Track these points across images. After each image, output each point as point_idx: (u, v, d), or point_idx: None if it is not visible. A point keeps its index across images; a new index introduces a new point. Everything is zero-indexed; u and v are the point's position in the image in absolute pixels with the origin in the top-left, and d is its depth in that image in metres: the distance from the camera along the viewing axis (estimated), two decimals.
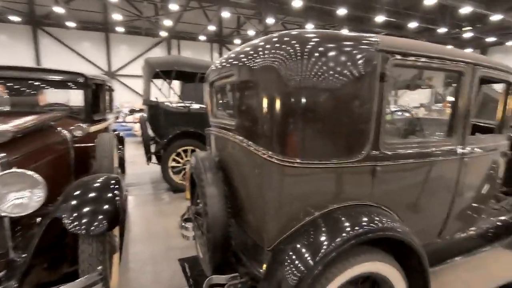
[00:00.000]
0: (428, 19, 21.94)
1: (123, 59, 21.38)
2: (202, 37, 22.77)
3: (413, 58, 1.48)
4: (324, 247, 1.29)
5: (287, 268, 1.30)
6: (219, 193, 1.69)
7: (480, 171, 2.01)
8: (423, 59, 1.51)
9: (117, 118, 14.02)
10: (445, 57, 1.58)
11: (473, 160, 1.85)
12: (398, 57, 1.43)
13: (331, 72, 1.31)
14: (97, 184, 1.87)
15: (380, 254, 1.44)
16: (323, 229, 1.36)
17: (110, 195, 1.80)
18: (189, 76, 5.00)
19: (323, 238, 1.32)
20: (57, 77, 3.07)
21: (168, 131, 4.63)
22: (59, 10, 15.29)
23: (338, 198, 1.46)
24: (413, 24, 21.57)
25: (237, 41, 23.39)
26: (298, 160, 1.34)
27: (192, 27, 22.22)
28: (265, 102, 1.36)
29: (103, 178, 1.96)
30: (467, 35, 23.76)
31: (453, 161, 1.75)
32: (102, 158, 2.65)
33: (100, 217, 1.68)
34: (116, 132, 5.23)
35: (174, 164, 4.65)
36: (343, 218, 1.39)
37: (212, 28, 21.74)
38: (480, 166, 1.99)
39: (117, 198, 1.81)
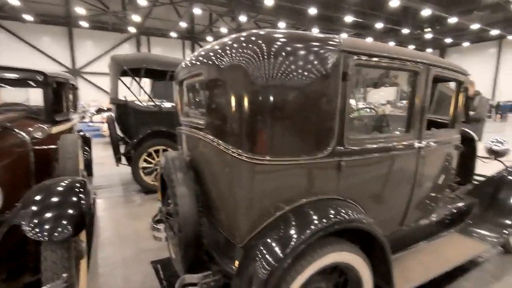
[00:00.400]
0: (393, 20, 23.09)
1: (89, 56, 20.27)
2: (173, 34, 22.20)
3: (372, 58, 1.57)
4: (293, 240, 1.34)
5: (258, 263, 1.33)
6: (190, 193, 1.68)
7: (436, 163, 2.17)
8: (382, 59, 1.60)
9: (83, 118, 13.30)
10: (401, 57, 1.69)
11: (429, 153, 2.00)
12: (359, 57, 1.51)
13: (296, 72, 1.35)
14: (60, 188, 1.79)
15: (346, 245, 1.51)
16: (293, 223, 1.41)
17: (74, 198, 1.73)
18: (160, 74, 4.87)
19: (292, 232, 1.37)
20: (13, 75, 2.86)
21: (138, 131, 4.49)
22: (14, 1, 14.11)
23: (306, 193, 1.52)
24: (379, 25, 22.60)
25: (209, 38, 23.08)
26: (267, 158, 1.37)
27: (162, 24, 21.57)
28: (233, 101, 1.38)
29: (66, 181, 1.87)
30: (428, 36, 25.33)
31: (412, 154, 1.88)
32: (66, 160, 2.52)
33: (64, 222, 1.61)
34: (82, 133, 4.97)
35: (145, 164, 4.52)
36: (311, 212, 1.44)
37: (183, 24, 21.27)
38: (435, 158, 2.15)
39: (82, 201, 1.74)
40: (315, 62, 1.38)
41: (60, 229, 1.57)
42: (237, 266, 1.46)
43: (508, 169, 2.84)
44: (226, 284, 1.58)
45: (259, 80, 1.31)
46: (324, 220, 1.39)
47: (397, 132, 1.83)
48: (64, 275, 1.57)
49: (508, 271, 2.57)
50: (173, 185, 1.68)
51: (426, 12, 18.83)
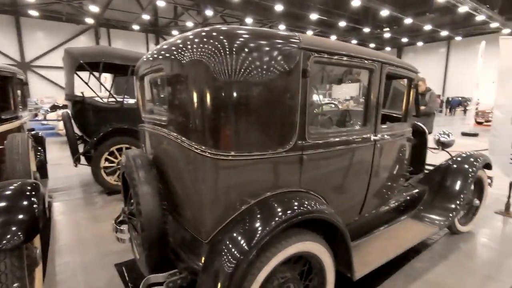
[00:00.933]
0: (355, 19, 24.13)
1: (41, 48, 18.64)
2: (135, 27, 21.16)
3: (331, 56, 1.64)
4: (258, 233, 1.37)
5: (224, 257, 1.35)
6: (153, 191, 1.64)
7: (390, 155, 2.34)
8: (339, 57, 1.69)
9: (35, 115, 12.26)
10: (358, 55, 1.79)
11: (384, 145, 2.15)
12: (318, 54, 1.57)
13: (258, 68, 1.37)
14: (8, 192, 1.65)
15: (309, 235, 1.58)
16: (257, 216, 1.44)
17: (25, 202, 1.61)
18: (121, 69, 4.63)
19: (257, 225, 1.40)
20: None
21: (99, 129, 4.25)
22: None
23: (270, 187, 1.56)
24: (342, 23, 23.49)
25: (175, 32, 22.36)
26: (230, 153, 1.39)
27: (123, 15, 20.44)
28: (195, 97, 1.37)
29: (16, 184, 1.73)
30: (387, 35, 26.86)
31: (368, 147, 2.01)
32: (14, 161, 2.32)
33: (13, 228, 1.49)
34: (34, 132, 4.60)
35: (107, 164, 4.30)
36: (275, 205, 1.49)
37: (146, 17, 20.34)
38: (390, 150, 2.31)
39: (34, 205, 1.62)
40: (276, 59, 1.41)
41: (9, 236, 1.46)
42: (203, 262, 1.46)
43: (453, 158, 3.14)
44: (193, 281, 1.58)
45: (220, 76, 1.32)
46: (288, 212, 1.44)
47: (356, 126, 1.94)
48: (15, 285, 1.47)
49: (453, 250, 2.86)
50: (135, 184, 1.63)
51: (384, 12, 19.92)
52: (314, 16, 21.50)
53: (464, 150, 3.29)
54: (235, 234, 1.40)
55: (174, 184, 1.70)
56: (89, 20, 18.62)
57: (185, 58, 1.40)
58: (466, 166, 2.97)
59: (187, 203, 1.60)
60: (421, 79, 5.11)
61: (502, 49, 3.54)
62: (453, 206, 2.68)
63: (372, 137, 2.01)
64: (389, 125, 2.24)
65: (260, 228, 1.38)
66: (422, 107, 4.94)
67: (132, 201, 1.85)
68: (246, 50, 1.35)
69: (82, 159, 4.52)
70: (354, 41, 29.10)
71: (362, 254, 2.10)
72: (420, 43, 29.48)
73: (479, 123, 13.33)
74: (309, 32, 26.79)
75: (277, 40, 1.44)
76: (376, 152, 2.07)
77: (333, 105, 3.89)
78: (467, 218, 3.20)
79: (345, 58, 1.71)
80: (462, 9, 18.23)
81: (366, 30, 25.03)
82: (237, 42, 1.35)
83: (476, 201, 3.12)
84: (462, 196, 2.75)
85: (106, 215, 3.73)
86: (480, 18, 19.62)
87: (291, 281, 1.58)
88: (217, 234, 1.45)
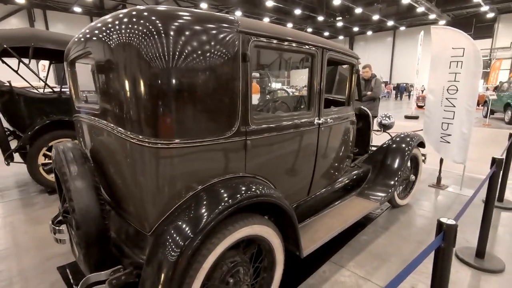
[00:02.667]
0: (310, 8, 24.62)
1: None
2: (77, 9, 19.19)
3: (271, 40, 1.64)
4: (203, 219, 1.35)
5: (168, 247, 1.32)
6: (87, 186, 1.53)
7: (335, 137, 2.46)
8: (280, 42, 1.70)
9: None
10: (299, 40, 1.82)
11: (328, 129, 2.25)
12: (257, 38, 1.56)
13: (194, 52, 1.32)
14: None
15: (257, 218, 1.61)
16: (202, 203, 1.42)
17: None
18: (56, 55, 4.18)
19: (201, 212, 1.38)
20: None
21: (34, 122, 3.83)
22: None
23: (216, 173, 1.54)
24: (298, 11, 23.84)
25: None
26: (169, 141, 1.33)
27: None
28: (127, 84, 1.28)
29: None
30: (339, 24, 27.92)
31: (313, 130, 2.09)
32: None
33: None
34: None
35: (47, 161, 3.91)
36: (221, 190, 1.48)
37: None
38: (334, 133, 2.43)
39: None
40: (213, 43, 1.37)
41: None
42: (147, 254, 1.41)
43: (393, 139, 3.41)
44: (139, 276, 1.53)
45: (153, 61, 1.24)
46: (232, 197, 1.45)
47: (300, 111, 2.00)
48: None
49: (393, 222, 3.15)
50: (66, 179, 1.50)
51: (337, 1, 20.61)
52: (270, 3, 21.47)
53: (403, 131, 3.59)
54: (179, 223, 1.37)
55: (114, 177, 1.60)
56: (20, 0, 16.43)
57: (113, 40, 1.29)
58: (403, 145, 3.25)
59: (127, 196, 1.52)
60: (367, 66, 5.42)
61: (433, 37, 3.87)
62: (392, 182, 2.94)
63: (316, 121, 2.09)
64: (333, 109, 2.34)
65: (205, 215, 1.36)
66: (368, 93, 5.27)
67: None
68: (181, 32, 1.29)
69: (17, 157, 4.06)
70: (309, 30, 29.81)
71: (311, 232, 2.21)
72: (369, 32, 31.20)
73: (420, 107, 14.69)
74: (266, 19, 26.79)
75: (214, 23, 1.40)
76: (320, 135, 2.16)
77: (284, 91, 3.97)
78: (405, 193, 3.54)
79: (285, 43, 1.73)
80: (405, 0, 19.62)
81: (321, 18, 25.74)
82: (171, 23, 1.28)
83: (412, 177, 3.46)
84: (399, 173, 3.02)
85: (48, 216, 3.42)
86: (420, 9, 21.32)
87: (240, 264, 1.61)
88: (161, 224, 1.41)
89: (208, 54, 1.35)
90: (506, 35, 23.88)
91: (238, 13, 24.26)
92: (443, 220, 1.14)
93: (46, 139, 3.82)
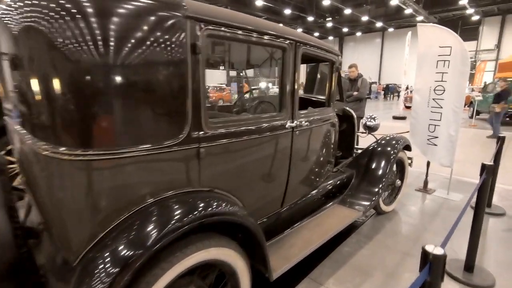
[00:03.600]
0: (300, 8, 24.57)
1: None
2: None
3: (230, 30, 1.40)
4: (139, 248, 1.10)
5: (94, 281, 1.06)
6: None
7: (312, 142, 2.24)
8: (242, 32, 1.45)
9: None
10: (264, 31, 1.58)
11: (304, 132, 2.03)
12: (212, 26, 1.31)
13: (125, 39, 1.06)
14: None
15: (214, 239, 1.37)
16: (139, 227, 1.16)
17: None
18: None
19: (138, 238, 1.13)
20: None
21: None
22: None
23: (158, 189, 1.28)
24: (288, 11, 23.75)
25: None
26: (94, 152, 1.07)
27: None
28: (37, 81, 1.01)
29: None
30: (329, 24, 27.97)
31: (285, 135, 1.85)
32: None
33: None
34: None
35: None
36: (165, 210, 1.23)
37: None
38: (312, 136, 2.21)
39: None
40: (150, 28, 1.11)
41: None
42: None
43: (378, 141, 3.22)
44: None
45: (67, 50, 0.98)
46: (179, 218, 1.20)
47: (268, 113, 1.75)
48: None
49: (378, 230, 2.96)
50: None
51: (326, 1, 20.59)
52: (259, 3, 21.28)
53: (389, 133, 3.42)
54: (110, 252, 1.12)
55: (36, 194, 1.32)
56: None
57: (14, 22, 1.02)
58: (388, 149, 3.07)
59: (49, 218, 1.26)
60: (353, 65, 5.24)
61: (419, 35, 3.71)
62: (376, 189, 2.74)
63: (289, 124, 1.86)
64: (310, 111, 2.12)
65: (140, 243, 1.11)
66: (355, 93, 5.09)
67: None
68: (106, 13, 1.02)
69: None
70: (299, 29, 29.76)
71: (285, 247, 1.98)
72: (359, 33, 31.36)
73: (408, 107, 14.70)
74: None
75: (152, 4, 1.14)
76: (295, 140, 1.93)
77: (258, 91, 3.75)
78: (390, 198, 3.35)
79: (248, 34, 1.49)
80: (393, 1, 19.75)
81: (311, 19, 25.69)
82: (94, 3, 1.02)
83: (398, 182, 3.28)
84: (384, 179, 2.83)
85: None
86: (408, 11, 21.51)
87: None
88: (88, 252, 1.15)
89: (143, 42, 1.10)
90: (490, 37, 24.36)
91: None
92: (429, 249, 0.92)
93: None
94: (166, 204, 1.25)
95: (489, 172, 2.05)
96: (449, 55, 3.49)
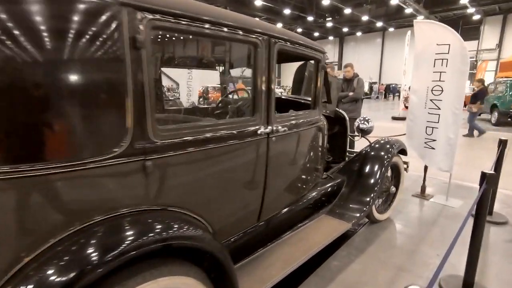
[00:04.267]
0: (300, 8, 24.38)
1: None
2: None
3: (184, 21, 1.19)
4: (64, 282, 0.90)
5: None
6: None
7: (294, 148, 2.03)
8: (199, 24, 1.25)
9: None
10: (230, 24, 1.38)
11: (283, 138, 1.82)
12: (157, 16, 1.11)
13: (44, 34, 0.87)
14: None
15: (167, 267, 1.17)
16: (66, 257, 0.97)
17: None
18: None
19: (60, 271, 0.93)
20: None
21: None
22: None
23: (95, 210, 1.07)
24: (287, 11, 23.57)
25: None
26: (9, 168, 0.88)
27: None
28: None
29: None
30: (329, 24, 27.77)
31: (258, 142, 1.64)
32: None
33: None
34: None
35: None
36: (100, 236, 1.03)
37: None
38: (293, 143, 2.00)
39: None
40: (77, 19, 0.92)
41: None
42: None
43: (371, 145, 3.02)
44: None
45: None
46: (116, 245, 1.00)
47: (237, 118, 1.55)
48: None
49: (370, 241, 2.75)
50: None
51: (326, 1, 20.40)
52: (259, 3, 21.12)
53: (385, 136, 3.22)
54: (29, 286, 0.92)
55: None
56: None
57: None
58: (382, 153, 2.87)
59: None
60: (348, 65, 5.04)
61: (416, 33, 3.51)
62: (367, 199, 2.53)
63: (262, 130, 1.64)
64: (289, 114, 1.92)
65: (64, 277, 0.91)
66: (350, 93, 4.89)
67: None
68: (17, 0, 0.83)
69: None
70: (299, 30, 29.56)
71: (263, 267, 1.78)
72: (359, 33, 31.13)
73: (407, 108, 14.46)
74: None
75: None
76: (271, 147, 1.73)
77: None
78: (385, 206, 3.15)
79: (208, 26, 1.28)
80: (394, 1, 19.53)
81: (310, 18, 25.49)
82: None
83: (393, 189, 3.08)
84: (376, 186, 2.63)
85: None
86: (408, 11, 21.29)
87: None
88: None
89: (65, 36, 0.90)
90: (491, 36, 24.05)
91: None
92: None
93: None
94: (102, 229, 1.05)
95: (489, 182, 1.84)
96: (448, 53, 3.29)
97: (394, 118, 11.76)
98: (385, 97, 27.08)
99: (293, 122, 1.89)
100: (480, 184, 1.90)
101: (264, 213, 1.85)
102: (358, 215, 2.39)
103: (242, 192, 1.64)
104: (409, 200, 3.75)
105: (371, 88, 28.88)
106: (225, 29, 1.35)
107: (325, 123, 2.55)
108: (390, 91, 27.01)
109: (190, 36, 1.36)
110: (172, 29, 1.16)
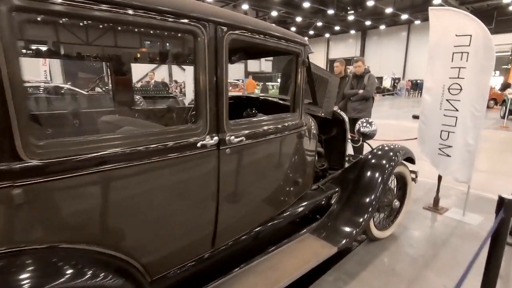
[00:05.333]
0: (320, 1, 23.54)
1: None
2: None
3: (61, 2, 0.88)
4: None
5: None
6: None
7: (261, 160, 1.69)
8: (98, 5, 0.94)
9: None
10: (150, 6, 1.05)
11: (243, 150, 1.50)
12: None
13: None
14: None
15: None
16: None
17: None
18: None
19: None
20: None
21: None
22: None
23: None
24: (307, 4, 22.87)
25: None
26: None
27: None
28: None
29: None
30: (351, 18, 26.66)
31: (203, 156, 1.32)
32: None
33: None
34: None
35: None
36: None
37: None
38: (259, 154, 1.66)
39: None
40: None
41: None
42: None
43: (372, 151, 2.63)
44: None
45: None
46: None
47: (176, 127, 1.23)
48: None
49: (366, 264, 2.38)
50: None
51: None
52: None
53: (395, 138, 2.81)
54: None
55: None
56: None
57: None
58: (383, 161, 2.48)
59: None
60: (359, 59, 4.60)
61: (431, 21, 3.03)
62: (359, 219, 2.15)
63: (207, 141, 1.32)
64: (252, 120, 1.58)
65: None
66: (360, 91, 4.45)
67: None
68: None
69: None
70: (319, 23, 28.59)
71: None
72: (382, 27, 29.65)
73: None
74: (274, 13, 25.81)
75: None
76: (225, 161, 1.41)
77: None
78: (387, 221, 2.75)
79: (115, 9, 0.97)
80: None
81: (331, 12, 24.54)
82: None
83: (396, 203, 2.66)
84: (372, 202, 2.25)
85: None
86: (437, 1, 19.86)
87: None
88: None
89: None
90: None
91: (245, 7, 23.44)
92: None
93: None
94: None
95: (508, 210, 1.43)
96: (469, 45, 2.80)
97: (414, 117, 10.98)
98: (409, 93, 25.69)
99: (257, 129, 1.56)
100: (497, 211, 1.50)
101: (220, 238, 1.54)
102: (344, 240, 2.02)
103: (182, 216, 1.33)
104: (419, 213, 3.30)
105: (394, 85, 27.56)
106: (141, 12, 1.03)
107: (313, 126, 2.20)
108: (418, 87, 25.55)
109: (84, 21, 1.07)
110: (51, 12, 0.87)
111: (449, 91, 2.99)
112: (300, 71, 1.82)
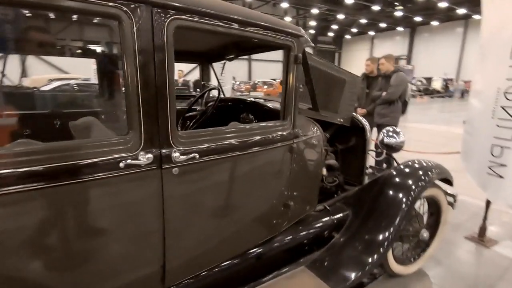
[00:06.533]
0: None
1: None
2: None
3: None
4: None
5: None
6: None
7: (227, 181, 1.33)
8: None
9: None
10: None
11: (200, 170, 1.18)
12: None
13: None
14: None
15: None
16: None
17: None
18: None
19: None
20: None
21: None
22: None
23: None
24: (350, 0, 21.81)
25: None
26: None
27: None
28: None
29: None
30: (399, 14, 24.80)
31: (139, 178, 1.03)
32: None
33: None
34: None
35: None
36: None
37: None
38: (224, 173, 1.30)
39: None
40: None
41: None
42: None
43: (398, 168, 2.16)
44: None
45: None
46: None
47: (94, 142, 0.95)
48: None
49: None
50: None
51: None
52: None
53: (417, 158, 2.31)
54: None
55: None
56: None
57: None
58: (410, 181, 2.01)
59: None
60: (388, 56, 4.01)
61: (484, 12, 2.43)
62: (369, 258, 1.70)
63: (141, 160, 1.02)
64: (218, 130, 1.24)
65: None
66: (384, 93, 3.87)
67: None
68: None
69: None
70: (363, 20, 26.99)
71: None
72: (435, 23, 27.06)
73: None
74: (314, 11, 24.92)
75: None
76: (170, 184, 1.11)
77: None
78: (413, 254, 2.24)
79: None
80: None
81: (376, 8, 23.02)
82: None
83: (425, 234, 2.14)
84: (390, 234, 1.80)
85: None
86: None
87: None
88: None
89: None
90: None
91: (285, 5, 23.03)
92: None
93: None
94: None
95: None
96: None
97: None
98: (462, 95, 23.14)
99: (222, 142, 1.23)
100: None
101: (171, 275, 1.25)
102: (345, 284, 1.59)
103: (112, 251, 1.06)
104: (459, 244, 2.70)
105: (446, 86, 25.06)
106: None
107: (315, 137, 1.82)
108: None
109: None
110: None
111: (505, 96, 2.37)
112: (292, 69, 1.45)
